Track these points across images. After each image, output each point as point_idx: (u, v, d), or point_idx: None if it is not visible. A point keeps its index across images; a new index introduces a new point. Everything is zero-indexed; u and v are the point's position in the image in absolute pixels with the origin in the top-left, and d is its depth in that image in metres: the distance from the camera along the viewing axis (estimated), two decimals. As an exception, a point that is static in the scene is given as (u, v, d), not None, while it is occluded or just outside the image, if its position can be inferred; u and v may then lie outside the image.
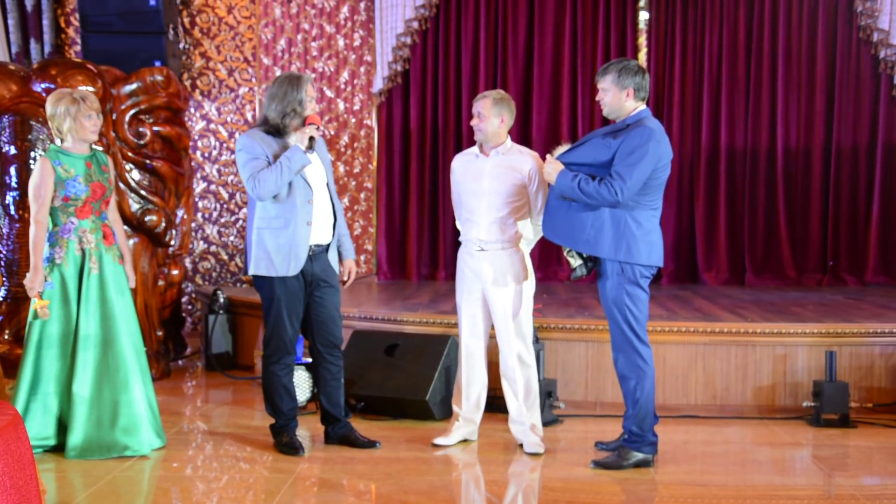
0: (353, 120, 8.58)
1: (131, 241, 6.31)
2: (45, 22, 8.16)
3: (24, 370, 4.46)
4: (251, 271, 4.51)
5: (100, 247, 4.52)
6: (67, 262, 4.46)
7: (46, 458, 4.37)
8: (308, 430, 4.98)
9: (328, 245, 4.57)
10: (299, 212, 4.41)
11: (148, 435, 4.53)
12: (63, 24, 8.44)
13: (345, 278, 4.71)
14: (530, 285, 4.63)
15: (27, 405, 4.45)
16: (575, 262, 4.35)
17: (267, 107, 4.47)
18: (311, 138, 4.40)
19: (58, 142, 4.52)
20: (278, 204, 4.41)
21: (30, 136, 5.93)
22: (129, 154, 6.30)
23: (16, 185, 5.97)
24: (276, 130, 4.44)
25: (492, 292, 4.58)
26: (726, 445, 4.85)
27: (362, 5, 8.51)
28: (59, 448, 4.48)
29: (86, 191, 4.47)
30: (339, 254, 4.68)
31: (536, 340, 5.04)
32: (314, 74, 8.48)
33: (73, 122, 4.44)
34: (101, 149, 4.89)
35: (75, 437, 4.38)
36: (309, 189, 4.45)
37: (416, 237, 8.48)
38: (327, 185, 4.58)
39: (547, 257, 8.25)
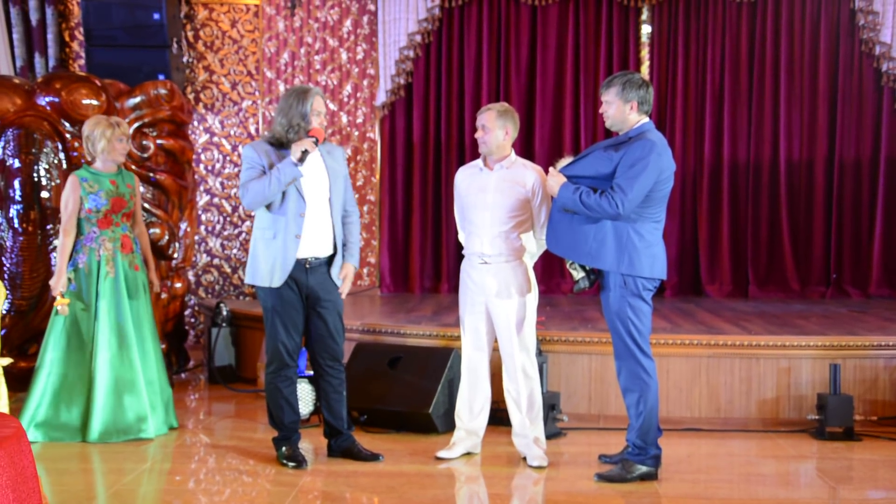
0: (356, 133, 8.60)
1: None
2: (50, 36, 8.19)
3: (43, 357, 5.04)
4: (245, 279, 4.55)
5: (116, 254, 5.11)
6: (88, 266, 5.06)
7: (49, 470, 4.36)
8: (311, 443, 4.97)
9: (328, 258, 4.55)
10: (289, 224, 4.42)
11: (157, 422, 5.13)
12: (67, 38, 8.47)
13: (340, 279, 4.56)
14: (533, 298, 4.63)
15: (44, 392, 5.02)
16: (578, 274, 4.35)
17: (275, 119, 4.52)
18: (305, 151, 4.36)
19: (89, 160, 5.17)
20: (271, 214, 4.45)
21: (34, 150, 5.92)
22: (133, 167, 6.30)
23: (20, 199, 5.93)
24: (279, 143, 4.47)
25: (495, 305, 4.57)
26: (730, 458, 4.83)
27: (365, 19, 8.54)
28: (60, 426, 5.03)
29: (106, 204, 5.07)
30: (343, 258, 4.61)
31: (539, 353, 5.03)
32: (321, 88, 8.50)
33: (107, 143, 5.09)
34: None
35: (96, 423, 4.97)
36: (302, 202, 4.44)
37: (419, 250, 8.47)
38: (329, 199, 4.53)
39: (550, 270, 8.25)
